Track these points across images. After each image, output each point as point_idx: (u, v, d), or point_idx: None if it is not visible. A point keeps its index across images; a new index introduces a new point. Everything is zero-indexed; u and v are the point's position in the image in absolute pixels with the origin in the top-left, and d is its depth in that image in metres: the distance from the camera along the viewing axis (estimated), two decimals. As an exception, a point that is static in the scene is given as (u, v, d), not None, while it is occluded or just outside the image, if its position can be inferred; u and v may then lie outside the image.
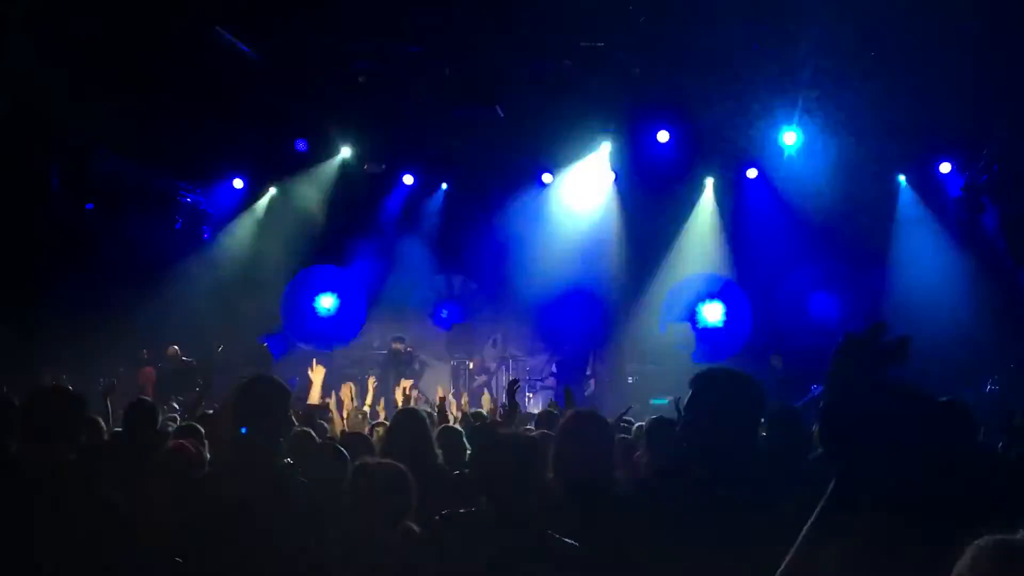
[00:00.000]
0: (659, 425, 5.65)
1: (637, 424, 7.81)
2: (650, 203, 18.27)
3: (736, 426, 4.09)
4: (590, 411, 4.90)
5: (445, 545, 3.84)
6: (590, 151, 18.04)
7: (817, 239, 17.15)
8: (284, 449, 4.53)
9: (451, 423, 7.93)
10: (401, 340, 17.47)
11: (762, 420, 4.64)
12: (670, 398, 7.22)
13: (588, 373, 17.72)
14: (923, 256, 16.74)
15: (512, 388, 7.40)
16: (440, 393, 9.27)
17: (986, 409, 11.64)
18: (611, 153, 17.95)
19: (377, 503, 4.20)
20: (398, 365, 16.95)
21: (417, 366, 17.60)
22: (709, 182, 18.49)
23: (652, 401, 15.21)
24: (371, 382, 10.76)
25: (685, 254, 18.35)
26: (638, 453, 5.84)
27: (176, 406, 11.47)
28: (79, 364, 13.07)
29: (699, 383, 4.19)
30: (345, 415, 8.32)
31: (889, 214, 17.33)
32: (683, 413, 4.19)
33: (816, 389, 14.69)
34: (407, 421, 6.18)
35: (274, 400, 4.37)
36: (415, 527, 4.21)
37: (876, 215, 17.06)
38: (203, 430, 6.29)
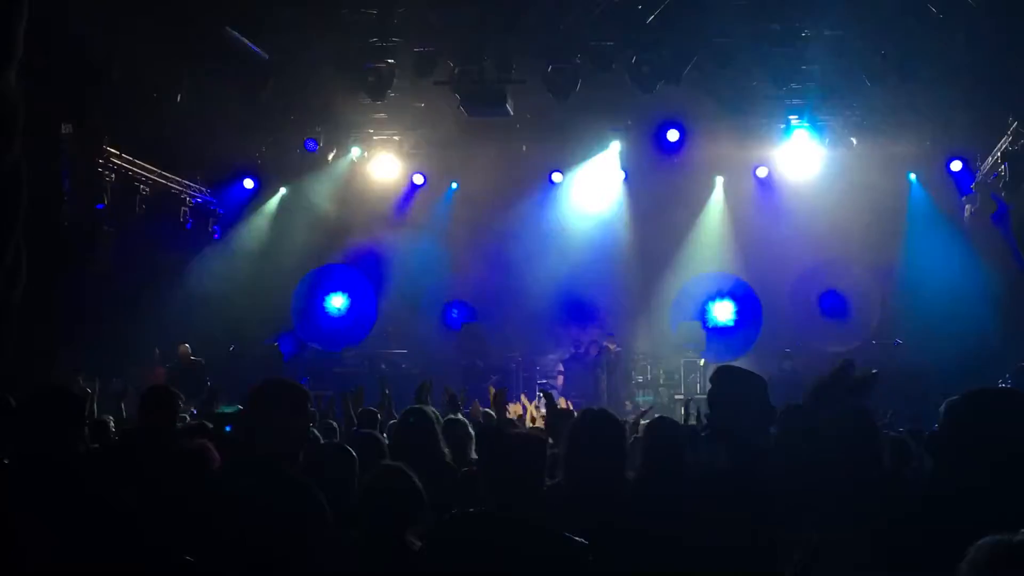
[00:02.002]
0: (661, 424, 5.64)
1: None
2: (660, 202, 18.27)
3: (750, 422, 4.12)
4: (601, 410, 4.89)
5: (452, 546, 3.83)
6: (600, 150, 18.07)
7: (827, 237, 17.11)
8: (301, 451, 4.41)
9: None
10: (613, 339, 17.24)
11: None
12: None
13: (597, 373, 17.71)
14: (934, 254, 16.71)
15: (499, 398, 7.53)
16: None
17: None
18: (621, 152, 17.96)
19: (380, 511, 4.17)
20: (607, 365, 16.72)
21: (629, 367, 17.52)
22: (719, 180, 18.49)
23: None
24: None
25: (695, 253, 18.35)
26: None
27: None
28: (88, 364, 13.09)
29: (718, 380, 4.22)
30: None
31: (900, 212, 17.30)
32: (706, 408, 4.25)
33: None
34: (417, 418, 6.16)
35: (290, 402, 4.24)
36: (415, 540, 4.14)
37: (887, 213, 17.02)
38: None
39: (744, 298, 18.59)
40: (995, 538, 2.11)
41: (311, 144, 17.19)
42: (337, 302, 19.69)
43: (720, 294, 18.81)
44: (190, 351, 16.12)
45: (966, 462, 3.27)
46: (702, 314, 18.65)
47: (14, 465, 4.16)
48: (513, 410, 10.45)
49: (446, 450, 6.02)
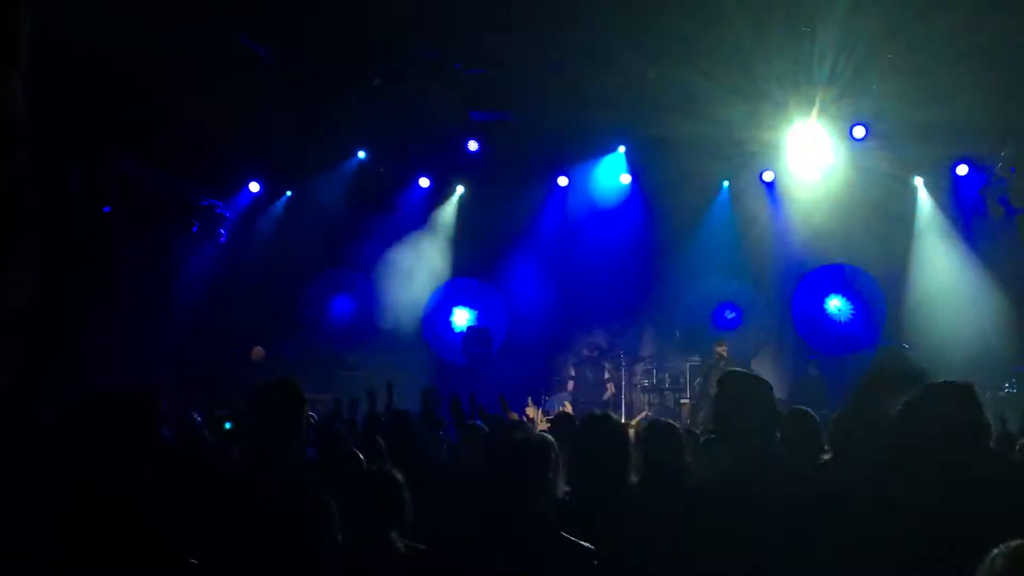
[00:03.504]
0: (656, 427, 5.67)
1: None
2: (666, 206, 18.24)
3: (756, 427, 4.12)
4: (604, 414, 4.89)
5: (458, 549, 3.83)
6: (606, 153, 18.05)
7: (834, 241, 17.08)
8: (298, 452, 4.47)
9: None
10: (723, 342, 16.42)
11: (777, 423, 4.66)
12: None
13: (606, 377, 17.68)
14: (940, 258, 16.68)
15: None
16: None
17: (1005, 411, 11.60)
18: (627, 155, 17.95)
19: (363, 514, 4.16)
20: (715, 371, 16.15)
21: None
22: (725, 184, 18.47)
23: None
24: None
25: (701, 257, 18.30)
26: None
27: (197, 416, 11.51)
28: (93, 369, 13.10)
29: (725, 384, 4.22)
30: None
31: (906, 216, 17.27)
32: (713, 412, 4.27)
33: None
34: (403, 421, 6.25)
35: (288, 403, 4.32)
36: (399, 542, 4.15)
37: (894, 217, 16.99)
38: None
39: (750, 303, 18.57)
40: (1013, 544, 2.11)
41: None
42: (343, 306, 19.69)
43: (727, 298, 18.78)
44: (263, 352, 16.35)
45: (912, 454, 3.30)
46: (709, 318, 18.62)
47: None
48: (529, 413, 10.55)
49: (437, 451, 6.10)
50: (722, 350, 15.93)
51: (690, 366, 17.59)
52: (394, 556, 4.07)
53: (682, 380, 17.62)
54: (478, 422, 7.92)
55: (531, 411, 15.70)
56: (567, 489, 4.42)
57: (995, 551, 2.15)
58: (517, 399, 17.13)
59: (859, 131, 15.58)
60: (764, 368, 16.29)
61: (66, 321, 12.46)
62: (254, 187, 18.32)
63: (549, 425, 8.78)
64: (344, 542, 3.95)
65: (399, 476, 4.30)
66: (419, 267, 19.03)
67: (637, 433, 7.42)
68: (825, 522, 3.84)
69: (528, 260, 18.59)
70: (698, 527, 3.97)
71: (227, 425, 7.73)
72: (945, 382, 3.68)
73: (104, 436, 3.98)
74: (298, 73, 14.00)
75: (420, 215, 19.25)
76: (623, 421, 9.21)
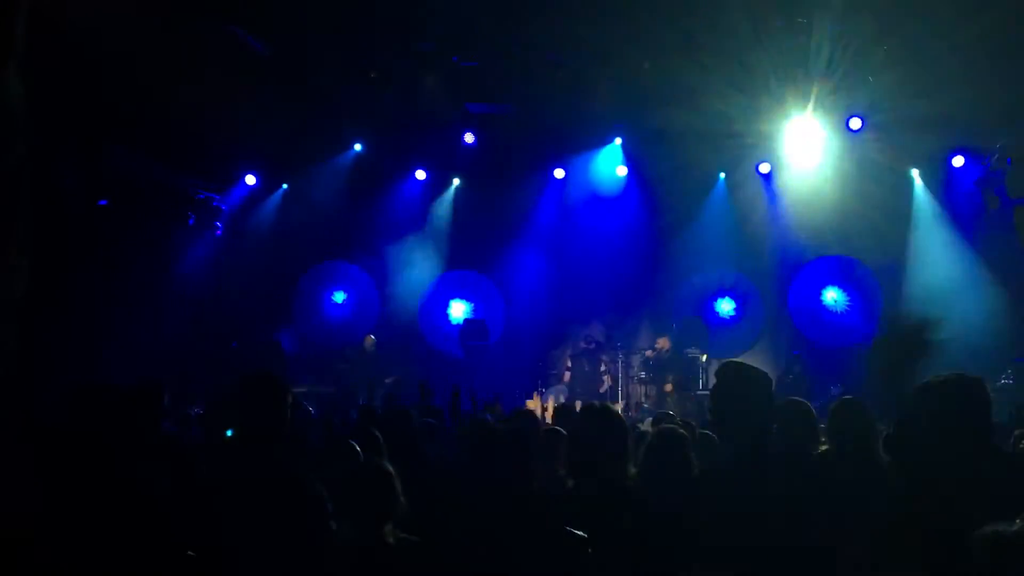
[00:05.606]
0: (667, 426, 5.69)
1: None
2: (662, 198, 18.24)
3: (754, 418, 4.13)
4: (603, 405, 4.91)
5: (453, 541, 3.84)
6: (602, 145, 18.04)
7: (830, 233, 17.08)
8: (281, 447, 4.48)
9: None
10: (664, 336, 17.00)
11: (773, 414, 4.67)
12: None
13: (603, 369, 17.68)
14: (936, 250, 16.69)
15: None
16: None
17: (1001, 402, 11.62)
18: (623, 147, 17.94)
19: (357, 507, 4.18)
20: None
21: None
22: (721, 176, 18.45)
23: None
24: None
25: (698, 249, 18.30)
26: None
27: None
28: (90, 362, 13.09)
29: (723, 375, 4.23)
30: None
31: (902, 208, 17.27)
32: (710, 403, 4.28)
33: (835, 389, 14.66)
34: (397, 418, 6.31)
35: (272, 397, 4.34)
36: (392, 533, 4.16)
37: (890, 208, 16.99)
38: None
39: (746, 294, 18.57)
40: (991, 529, 2.11)
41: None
42: (339, 299, 19.69)
43: (722, 290, 18.78)
44: (375, 341, 16.77)
45: (917, 452, 3.29)
46: (704, 310, 18.63)
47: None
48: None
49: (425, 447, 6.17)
50: (662, 343, 16.19)
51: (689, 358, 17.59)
52: (387, 548, 4.07)
53: (678, 372, 17.61)
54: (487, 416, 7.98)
55: (532, 404, 15.70)
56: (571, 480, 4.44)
57: (972, 536, 2.15)
58: (514, 392, 17.16)
59: (855, 123, 15.58)
60: (759, 359, 16.29)
61: (63, 315, 12.45)
62: (250, 180, 18.29)
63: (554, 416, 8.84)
64: (338, 535, 3.97)
65: (391, 469, 4.31)
66: (416, 259, 19.03)
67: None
68: (823, 512, 3.85)
69: (525, 253, 18.59)
70: (695, 517, 3.98)
71: (228, 433, 7.72)
72: (954, 374, 3.65)
73: (109, 427, 3.99)
74: (294, 65, 13.98)
75: (416, 208, 19.24)
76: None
